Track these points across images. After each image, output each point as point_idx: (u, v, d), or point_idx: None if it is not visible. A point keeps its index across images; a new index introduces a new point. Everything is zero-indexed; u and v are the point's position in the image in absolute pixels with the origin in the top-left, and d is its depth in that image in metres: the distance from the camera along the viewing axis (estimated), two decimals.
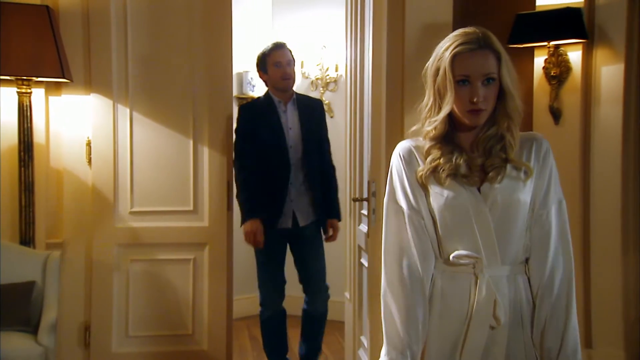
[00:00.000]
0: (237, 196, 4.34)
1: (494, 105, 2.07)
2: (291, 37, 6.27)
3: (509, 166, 2.08)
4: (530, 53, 4.10)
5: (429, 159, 2.12)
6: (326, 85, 6.05)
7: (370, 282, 3.65)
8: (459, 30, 2.14)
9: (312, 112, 4.52)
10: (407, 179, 2.14)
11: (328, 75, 6.07)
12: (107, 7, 4.24)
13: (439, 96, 2.09)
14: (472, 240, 2.06)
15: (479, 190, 2.08)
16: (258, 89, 6.13)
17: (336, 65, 6.02)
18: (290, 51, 4.49)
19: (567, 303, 2.07)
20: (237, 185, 4.36)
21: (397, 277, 2.10)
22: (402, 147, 2.19)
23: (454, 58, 2.05)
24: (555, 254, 2.08)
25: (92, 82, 4.26)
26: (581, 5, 3.93)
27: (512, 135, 2.08)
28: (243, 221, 4.30)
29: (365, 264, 4.00)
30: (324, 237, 4.56)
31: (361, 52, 4.31)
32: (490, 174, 2.06)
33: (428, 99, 2.13)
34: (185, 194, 4.37)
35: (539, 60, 4.05)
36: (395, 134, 4.09)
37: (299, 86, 6.28)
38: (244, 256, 5.17)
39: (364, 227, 4.19)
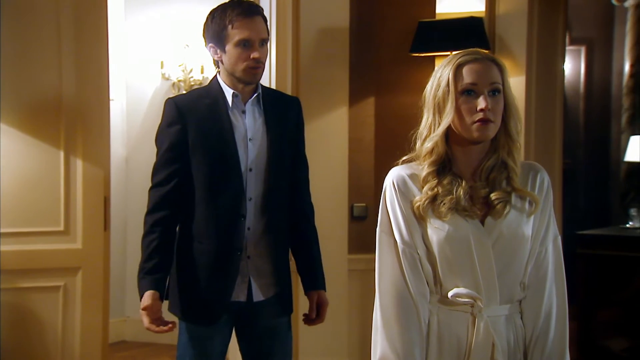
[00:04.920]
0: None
1: (500, 122, 2.08)
2: (147, 35, 6.07)
3: (513, 196, 2.09)
4: (431, 62, 4.21)
5: (426, 187, 2.09)
6: (190, 88, 5.89)
7: None
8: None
9: (286, 116, 3.02)
10: (401, 211, 2.10)
11: (192, 77, 5.92)
12: None
13: (439, 112, 2.08)
14: (472, 276, 2.07)
15: (482, 223, 2.08)
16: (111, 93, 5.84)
17: (202, 66, 5.88)
18: (265, 20, 2.93)
19: (560, 349, 2.11)
20: (143, 236, 2.97)
21: (394, 317, 2.08)
22: (396, 174, 2.14)
23: (458, 68, 2.05)
24: (550, 295, 2.12)
25: None
26: (482, 15, 4.09)
27: (513, 160, 2.10)
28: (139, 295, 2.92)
29: None
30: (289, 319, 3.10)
31: None
32: (496, 207, 2.06)
33: (426, 119, 2.12)
34: (54, 212, 4.06)
35: None
36: None
37: (158, 89, 6.09)
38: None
39: None
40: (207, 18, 2.95)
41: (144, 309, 2.85)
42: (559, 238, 2.17)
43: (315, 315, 3.09)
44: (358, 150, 4.41)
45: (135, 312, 6.13)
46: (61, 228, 4.09)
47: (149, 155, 5.89)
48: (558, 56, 4.32)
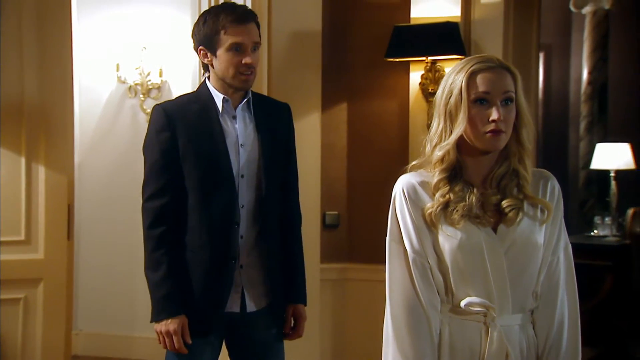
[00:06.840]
0: (145, 270, 2.91)
1: (511, 131, 2.10)
2: (102, 36, 5.99)
3: (525, 204, 2.11)
4: (405, 67, 4.24)
5: (438, 194, 2.10)
6: (148, 91, 5.83)
7: None
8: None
9: (277, 122, 3.02)
10: (411, 219, 2.11)
11: (150, 80, 5.84)
12: None
13: (450, 120, 2.09)
14: (485, 284, 2.08)
15: (494, 231, 2.10)
16: None
17: (160, 69, 5.81)
18: (258, 26, 2.93)
19: (573, 358, 2.14)
20: (145, 252, 2.91)
21: (406, 327, 2.09)
22: (405, 182, 2.15)
23: (471, 76, 2.06)
24: (562, 305, 2.15)
25: None
26: (458, 20, 4.13)
27: (524, 167, 2.12)
28: (156, 317, 2.87)
29: None
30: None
31: None
32: (509, 215, 2.08)
33: (437, 125, 2.12)
34: (14, 221, 3.98)
35: (415, 76, 4.19)
36: None
37: (113, 92, 6.00)
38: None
39: None
40: (198, 20, 2.91)
41: (174, 333, 2.83)
42: (570, 246, 2.20)
43: (290, 330, 3.06)
44: (330, 157, 4.41)
45: (87, 326, 6.02)
46: (22, 237, 4.03)
47: (103, 161, 5.91)
48: (532, 61, 4.41)
